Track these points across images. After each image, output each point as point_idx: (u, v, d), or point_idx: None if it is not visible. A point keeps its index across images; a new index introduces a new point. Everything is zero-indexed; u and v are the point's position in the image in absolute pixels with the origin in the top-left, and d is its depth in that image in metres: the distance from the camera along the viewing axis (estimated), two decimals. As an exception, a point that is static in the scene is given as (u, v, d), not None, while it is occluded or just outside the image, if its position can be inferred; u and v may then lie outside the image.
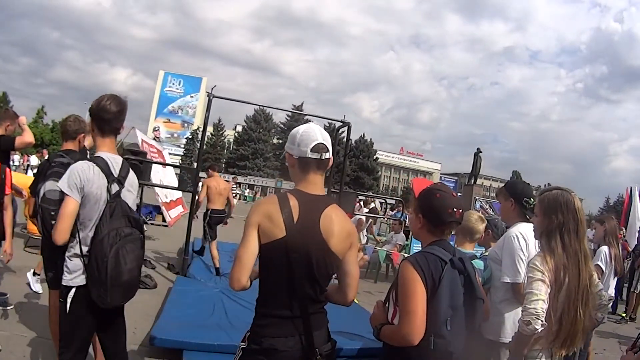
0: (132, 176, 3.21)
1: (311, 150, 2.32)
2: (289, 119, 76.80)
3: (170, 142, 73.06)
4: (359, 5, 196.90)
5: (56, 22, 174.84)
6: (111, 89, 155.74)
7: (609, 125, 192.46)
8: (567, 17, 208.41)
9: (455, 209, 2.51)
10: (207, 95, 8.32)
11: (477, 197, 16.58)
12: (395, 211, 15.29)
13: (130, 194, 3.15)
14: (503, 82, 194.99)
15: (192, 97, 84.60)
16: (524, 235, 3.50)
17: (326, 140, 2.37)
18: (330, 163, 2.42)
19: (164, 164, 13.11)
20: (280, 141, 76.55)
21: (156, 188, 11.56)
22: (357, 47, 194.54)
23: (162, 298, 7.18)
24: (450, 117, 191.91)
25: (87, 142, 4.35)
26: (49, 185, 3.73)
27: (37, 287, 6.58)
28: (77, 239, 2.94)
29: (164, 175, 12.79)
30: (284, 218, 2.22)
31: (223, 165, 68.94)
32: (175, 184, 15.24)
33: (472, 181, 27.47)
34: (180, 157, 67.59)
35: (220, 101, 8.46)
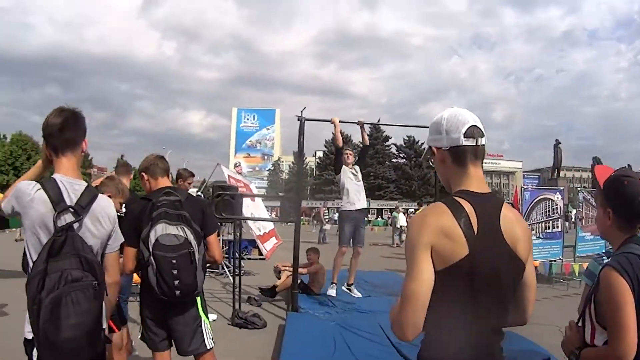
0: (100, 207, 2.53)
1: (464, 136, 1.86)
2: (368, 137, 76.35)
3: (253, 176, 74.25)
4: (414, 15, 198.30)
5: (124, 75, 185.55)
6: (188, 132, 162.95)
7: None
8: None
9: None
10: (298, 119, 7.89)
11: (579, 189, 15.66)
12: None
13: (97, 229, 2.50)
14: (568, 68, 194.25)
15: (268, 129, 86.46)
16: None
17: (478, 122, 1.91)
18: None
19: (255, 195, 12.93)
20: (365, 160, 76.55)
21: (249, 222, 11.34)
22: (421, 56, 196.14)
23: (273, 337, 6.78)
24: (522, 113, 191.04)
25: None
26: (160, 229, 3.25)
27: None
28: None
29: (254, 208, 12.57)
30: (463, 230, 1.73)
31: (308, 192, 69.26)
32: (266, 216, 15.08)
33: (556, 174, 26.39)
34: (265, 189, 68.40)
35: (296, 130, 7.98)
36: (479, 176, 1.91)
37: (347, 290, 8.32)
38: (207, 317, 3.59)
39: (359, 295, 8.30)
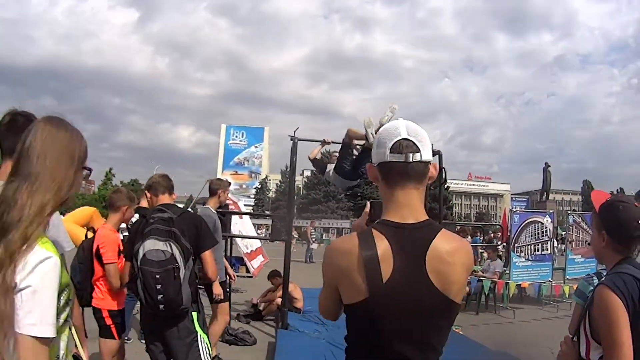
0: None
1: (391, 151, 1.60)
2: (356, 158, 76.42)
3: (240, 194, 73.65)
4: (407, 38, 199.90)
5: (116, 89, 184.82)
6: (176, 147, 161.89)
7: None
8: (609, 14, 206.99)
9: None
10: (291, 139, 7.97)
11: (569, 212, 15.78)
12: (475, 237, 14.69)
13: None
14: (559, 92, 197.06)
15: (256, 147, 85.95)
16: None
17: (415, 136, 1.62)
18: (433, 173, 1.67)
19: (245, 213, 12.96)
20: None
21: (237, 239, 11.36)
22: (412, 79, 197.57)
23: (263, 354, 6.79)
24: (512, 136, 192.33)
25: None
26: (149, 245, 3.33)
27: None
28: None
29: (242, 226, 12.63)
30: (366, 272, 1.54)
31: (295, 211, 69.12)
32: (253, 234, 15.08)
33: (545, 197, 26.52)
34: (252, 207, 68.05)
35: (284, 148, 8.06)
36: (409, 202, 1.64)
37: None
38: (205, 333, 3.59)
39: None
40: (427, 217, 1.65)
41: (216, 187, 5.86)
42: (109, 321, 4.06)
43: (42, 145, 1.57)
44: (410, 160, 1.58)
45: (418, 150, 1.60)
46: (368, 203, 1.80)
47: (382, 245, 1.56)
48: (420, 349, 1.58)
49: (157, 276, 3.25)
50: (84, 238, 4.16)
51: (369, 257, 1.54)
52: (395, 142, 1.60)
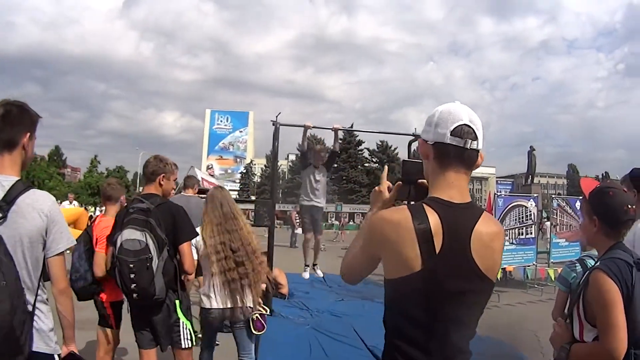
0: (29, 200, 2.27)
1: (452, 134, 1.63)
2: (341, 141, 76.22)
3: (225, 179, 73.66)
4: (392, 22, 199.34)
5: (101, 75, 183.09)
6: (161, 133, 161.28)
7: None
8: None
9: (629, 206, 2.33)
10: (273, 124, 7.90)
11: (553, 196, 15.84)
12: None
13: (22, 226, 2.23)
14: (544, 76, 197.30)
15: (241, 132, 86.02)
16: None
17: (475, 123, 1.66)
18: (479, 162, 1.71)
19: (243, 200, 12.87)
20: (336, 165, 76.31)
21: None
22: (397, 63, 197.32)
23: (248, 340, 6.68)
24: (497, 119, 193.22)
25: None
26: (126, 234, 3.35)
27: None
28: None
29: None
30: (420, 245, 1.57)
31: (280, 195, 69.08)
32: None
33: (530, 181, 26.59)
34: (237, 192, 67.90)
35: (269, 133, 8.04)
36: (460, 185, 1.69)
37: (312, 270, 8.26)
38: (188, 320, 3.70)
39: (321, 274, 8.30)
40: (470, 199, 1.72)
41: (194, 182, 6.92)
42: (109, 311, 4.19)
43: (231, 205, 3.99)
44: (468, 147, 1.64)
45: (476, 138, 1.66)
46: (386, 167, 1.93)
47: (434, 219, 1.60)
48: (460, 328, 1.65)
49: (131, 265, 3.30)
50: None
51: (422, 230, 1.58)
52: (457, 126, 1.64)
